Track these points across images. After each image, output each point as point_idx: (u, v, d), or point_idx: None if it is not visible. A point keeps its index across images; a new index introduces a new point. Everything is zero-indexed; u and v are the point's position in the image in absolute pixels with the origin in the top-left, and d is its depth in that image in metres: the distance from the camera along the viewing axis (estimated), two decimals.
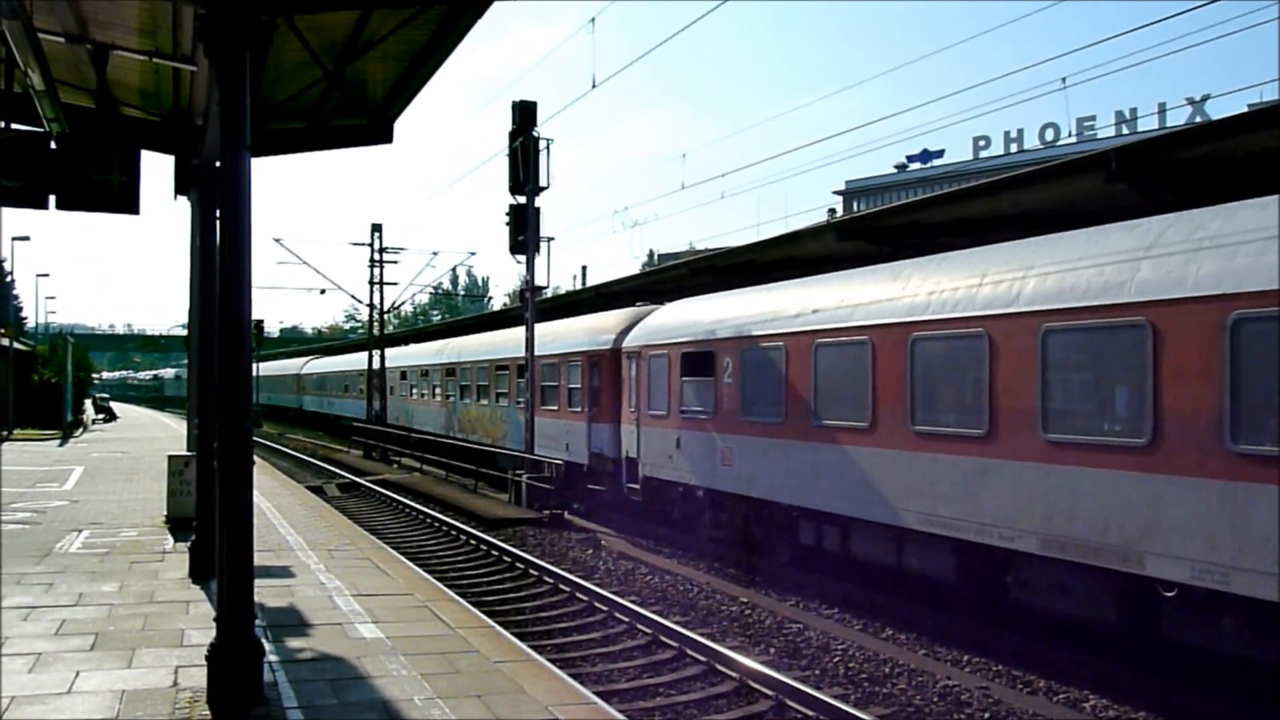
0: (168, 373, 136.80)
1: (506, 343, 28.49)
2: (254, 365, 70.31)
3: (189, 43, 9.51)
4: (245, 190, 7.05)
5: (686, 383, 17.38)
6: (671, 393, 17.87)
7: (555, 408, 23.52)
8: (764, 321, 15.63)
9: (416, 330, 56.67)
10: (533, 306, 24.45)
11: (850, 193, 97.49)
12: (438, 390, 35.08)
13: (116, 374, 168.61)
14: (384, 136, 12.41)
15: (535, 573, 15.13)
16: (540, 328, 25.14)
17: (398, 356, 42.95)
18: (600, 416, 21.21)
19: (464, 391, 31.77)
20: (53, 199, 9.71)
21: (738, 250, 21.99)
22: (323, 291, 74.63)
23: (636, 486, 19.33)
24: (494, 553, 16.94)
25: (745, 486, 15.66)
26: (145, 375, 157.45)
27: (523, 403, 25.01)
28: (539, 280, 24.92)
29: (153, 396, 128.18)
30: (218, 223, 8.27)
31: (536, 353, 24.39)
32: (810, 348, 14.30)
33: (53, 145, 9.74)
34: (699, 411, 16.93)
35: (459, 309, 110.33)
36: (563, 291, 55.62)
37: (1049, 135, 79.49)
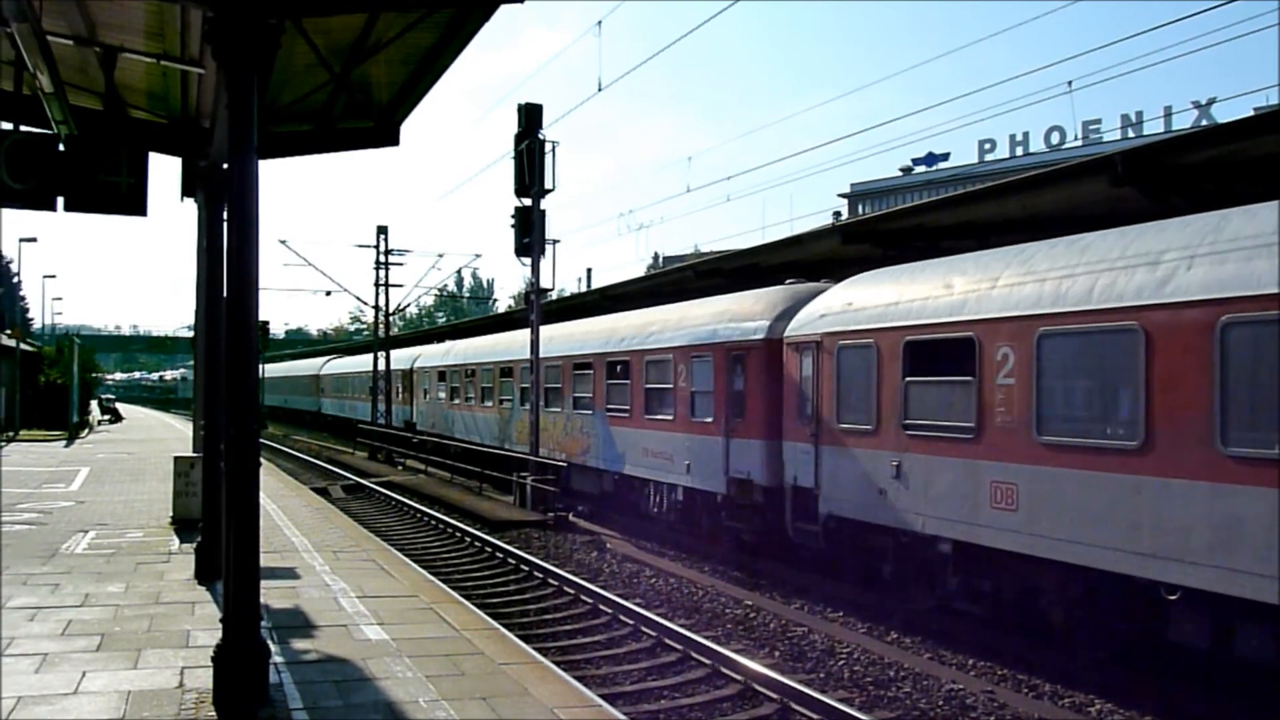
0: (172, 373, 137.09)
1: (589, 335, 23.25)
2: (263, 366, 68.78)
3: (197, 45, 9.54)
4: (253, 192, 7.07)
5: (916, 384, 12.50)
6: (886, 399, 12.95)
7: (666, 417, 18.57)
8: (1093, 291, 10.20)
9: (447, 328, 50.54)
10: (537, 309, 24.46)
11: (856, 195, 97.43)
12: (489, 394, 29.87)
13: (132, 375, 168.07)
14: (390, 139, 12.43)
15: (540, 575, 15.14)
16: (613, 319, 22.39)
17: (431, 356, 37.98)
18: (745, 430, 16.11)
19: (524, 395, 26.08)
20: (61, 200, 9.75)
21: (744, 253, 22.00)
22: (328, 293, 74.74)
23: (814, 528, 14.31)
24: (499, 555, 16.95)
25: (1044, 545, 10.46)
26: (160, 375, 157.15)
27: (617, 410, 20.82)
28: (544, 283, 24.93)
29: (166, 398, 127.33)
30: (225, 225, 8.29)
31: (609, 349, 20.91)
32: (1210, 328, 8.83)
33: (61, 147, 9.77)
34: (945, 426, 11.93)
35: (464, 311, 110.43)
36: (568, 294, 55.69)
37: (1055, 138, 79.34)
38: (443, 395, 35.02)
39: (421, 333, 60.25)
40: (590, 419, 22.11)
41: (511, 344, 28.61)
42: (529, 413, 24.35)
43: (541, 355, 24.16)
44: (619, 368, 20.92)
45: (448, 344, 37.76)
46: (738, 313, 17.06)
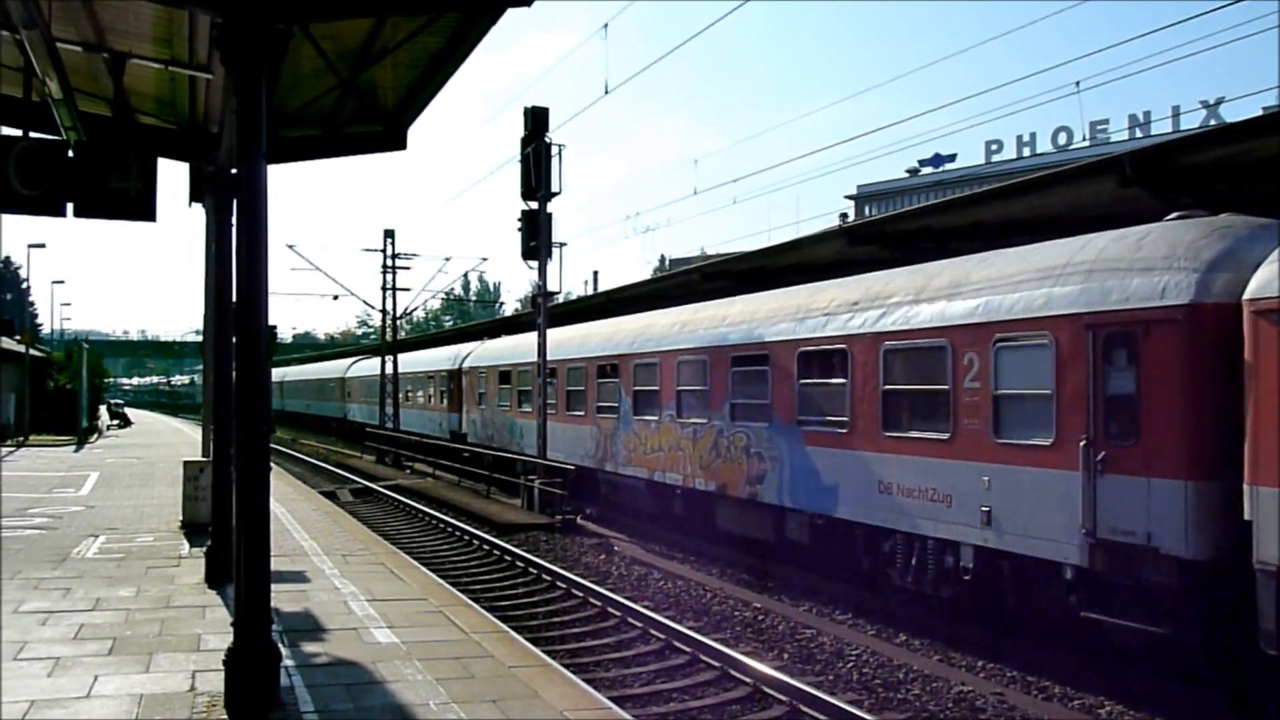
0: (180, 378, 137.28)
1: (749, 317, 16.88)
2: (283, 370, 67.23)
3: (205, 51, 9.60)
4: (262, 197, 7.10)
5: None
6: None
7: (935, 435, 12.23)
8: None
9: (492, 323, 45.16)
10: (544, 312, 24.49)
11: (862, 197, 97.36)
12: (579, 399, 23.43)
13: (151, 380, 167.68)
14: (398, 143, 12.48)
15: (548, 578, 15.14)
16: (783, 295, 16.73)
17: (489, 354, 31.86)
18: (1140, 460, 9.71)
19: (641, 402, 19.95)
20: (70, 207, 9.78)
21: (750, 255, 22.00)
22: (335, 298, 74.98)
23: None
24: (507, 558, 16.96)
25: None
26: (181, 379, 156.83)
27: (823, 422, 14.43)
28: (551, 286, 24.97)
29: (178, 403, 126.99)
30: (234, 230, 8.32)
31: (805, 334, 14.98)
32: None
33: (70, 153, 9.81)
34: None
35: (471, 315, 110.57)
36: (575, 297, 55.78)
37: (1062, 139, 79.19)
38: (506, 402, 29.18)
39: (451, 331, 54.99)
40: (765, 435, 15.75)
41: (615, 334, 22.26)
42: (544, 417, 24.34)
43: (643, 347, 20.04)
44: (825, 362, 14.48)
45: (509, 339, 31.68)
46: (1108, 261, 10.47)
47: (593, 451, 22.29)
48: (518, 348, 28.84)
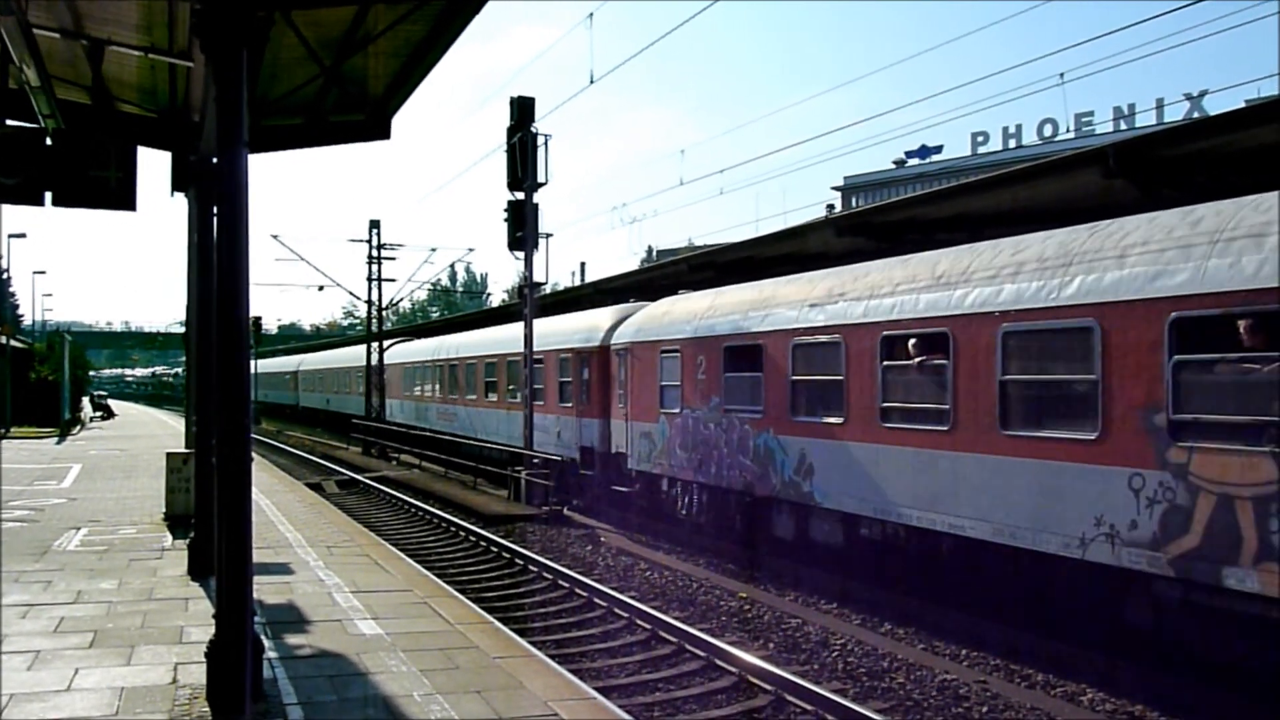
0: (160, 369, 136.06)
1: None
2: (298, 358, 63.28)
3: (186, 38, 9.48)
4: (243, 186, 7.03)
5: None
6: None
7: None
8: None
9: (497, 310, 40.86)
10: (531, 302, 24.43)
11: (849, 188, 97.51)
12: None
13: (149, 370, 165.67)
14: (382, 132, 12.38)
15: (534, 568, 15.13)
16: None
17: (566, 331, 23.88)
18: None
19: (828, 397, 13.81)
20: (49, 195, 9.69)
21: (737, 246, 22.01)
22: (321, 288, 74.78)
23: None
24: (493, 549, 16.94)
25: None
26: (153, 371, 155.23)
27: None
28: (538, 276, 24.90)
29: (162, 394, 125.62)
30: (215, 219, 8.25)
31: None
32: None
33: (49, 141, 9.72)
34: None
35: (458, 306, 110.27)
36: (561, 288, 55.69)
37: (1047, 131, 79.50)
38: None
39: (479, 314, 46.04)
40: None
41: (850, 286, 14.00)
42: (531, 409, 24.29)
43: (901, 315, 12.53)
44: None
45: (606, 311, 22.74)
46: None
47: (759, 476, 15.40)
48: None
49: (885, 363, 12.64)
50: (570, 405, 22.84)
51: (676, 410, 17.78)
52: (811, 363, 14.26)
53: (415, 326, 58.93)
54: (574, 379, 22.49)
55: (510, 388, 27.23)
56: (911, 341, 12.30)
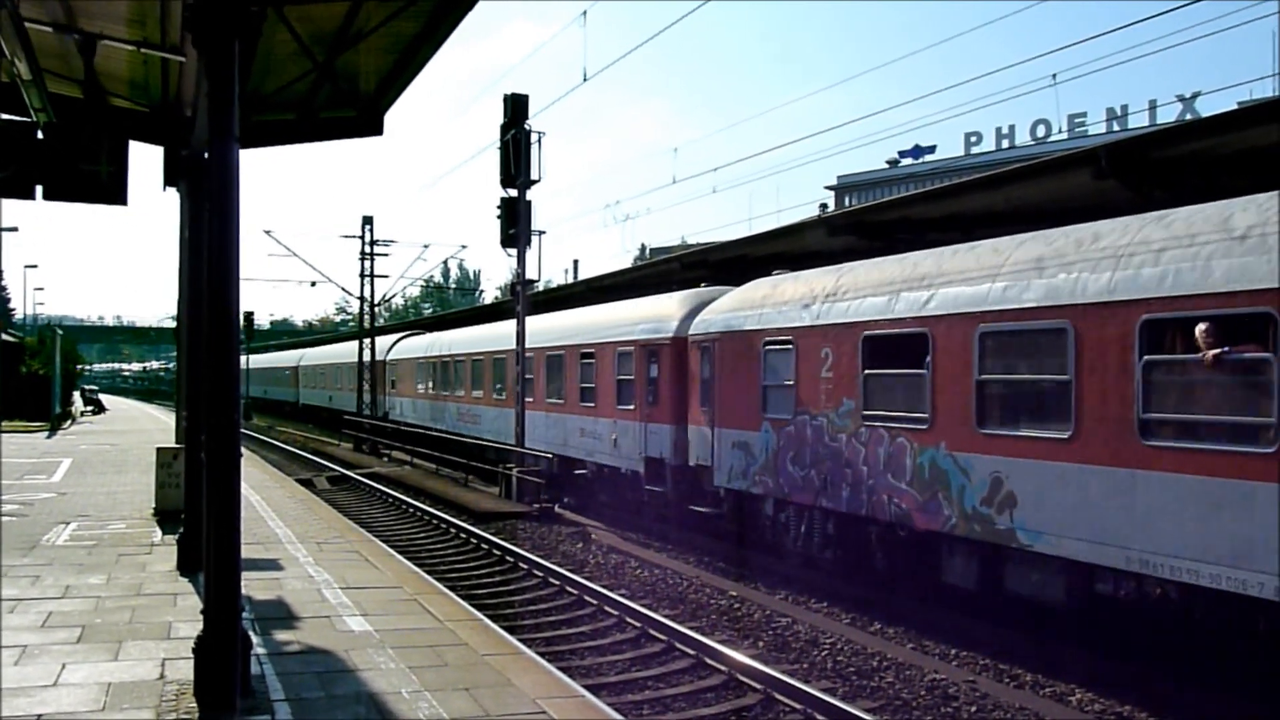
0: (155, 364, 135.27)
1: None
2: (306, 351, 60.51)
3: (178, 33, 9.45)
4: (234, 181, 7.01)
5: None
6: None
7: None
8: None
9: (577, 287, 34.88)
10: (524, 300, 24.42)
11: (842, 188, 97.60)
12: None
13: (145, 365, 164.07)
14: (374, 129, 12.37)
15: (525, 566, 15.13)
16: None
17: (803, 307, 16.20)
18: None
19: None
20: (40, 189, 9.66)
21: (730, 244, 22.03)
22: (313, 284, 74.61)
23: None
24: (484, 546, 16.93)
25: None
26: (144, 366, 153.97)
27: None
28: (530, 274, 24.90)
29: (154, 389, 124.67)
30: (207, 214, 8.22)
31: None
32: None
33: (40, 135, 9.68)
34: None
35: (450, 303, 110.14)
36: (554, 285, 55.66)
37: (1040, 131, 79.67)
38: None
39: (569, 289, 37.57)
40: None
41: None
42: (523, 406, 24.25)
43: None
44: None
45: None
46: None
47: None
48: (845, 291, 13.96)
49: (1148, 357, 9.28)
50: (632, 408, 19.49)
51: (787, 416, 14.49)
52: (1013, 357, 10.98)
53: (430, 319, 54.92)
54: (638, 377, 19.32)
55: (552, 386, 23.83)
56: (1202, 329, 8.80)
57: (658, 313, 19.35)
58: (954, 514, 11.40)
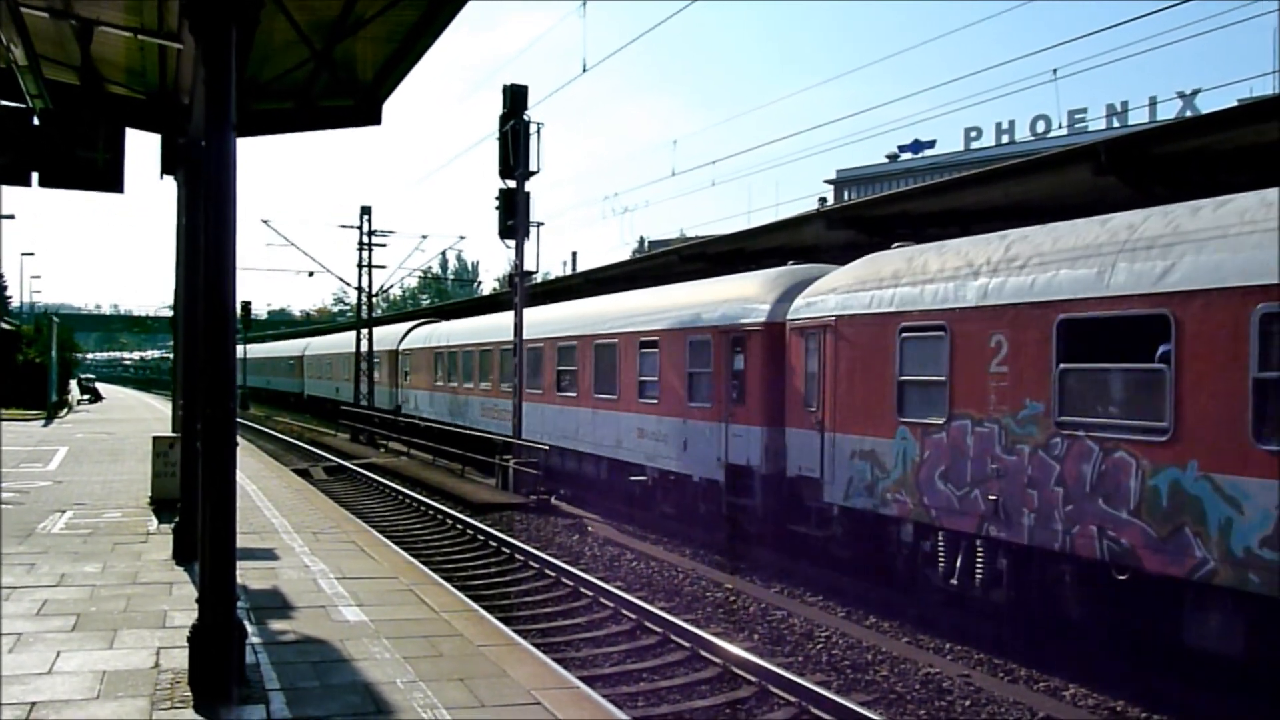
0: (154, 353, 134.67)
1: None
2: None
3: (175, 19, 9.41)
4: (230, 169, 6.99)
5: None
6: None
7: None
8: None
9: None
10: (522, 291, 24.39)
11: (841, 182, 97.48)
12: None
13: (147, 353, 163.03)
14: (373, 118, 12.33)
15: (521, 557, 15.13)
16: None
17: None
18: None
19: None
20: (35, 176, 9.63)
21: (729, 237, 22.00)
22: (311, 274, 74.55)
23: None
24: (480, 537, 16.93)
25: None
26: (141, 355, 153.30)
27: None
28: (528, 265, 24.85)
29: (150, 379, 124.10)
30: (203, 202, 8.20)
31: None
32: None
33: (36, 122, 9.65)
34: None
35: (448, 294, 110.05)
36: (553, 277, 55.58)
37: (1040, 127, 79.54)
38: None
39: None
40: None
41: None
42: (519, 398, 24.19)
43: None
44: None
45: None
46: None
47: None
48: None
49: None
50: (708, 406, 16.82)
51: (937, 420, 11.72)
52: None
53: (448, 305, 49.76)
54: (717, 369, 16.61)
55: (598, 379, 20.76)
56: None
57: (740, 294, 16.64)
58: (1212, 556, 8.71)
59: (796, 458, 14.50)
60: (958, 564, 11.61)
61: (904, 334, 12.40)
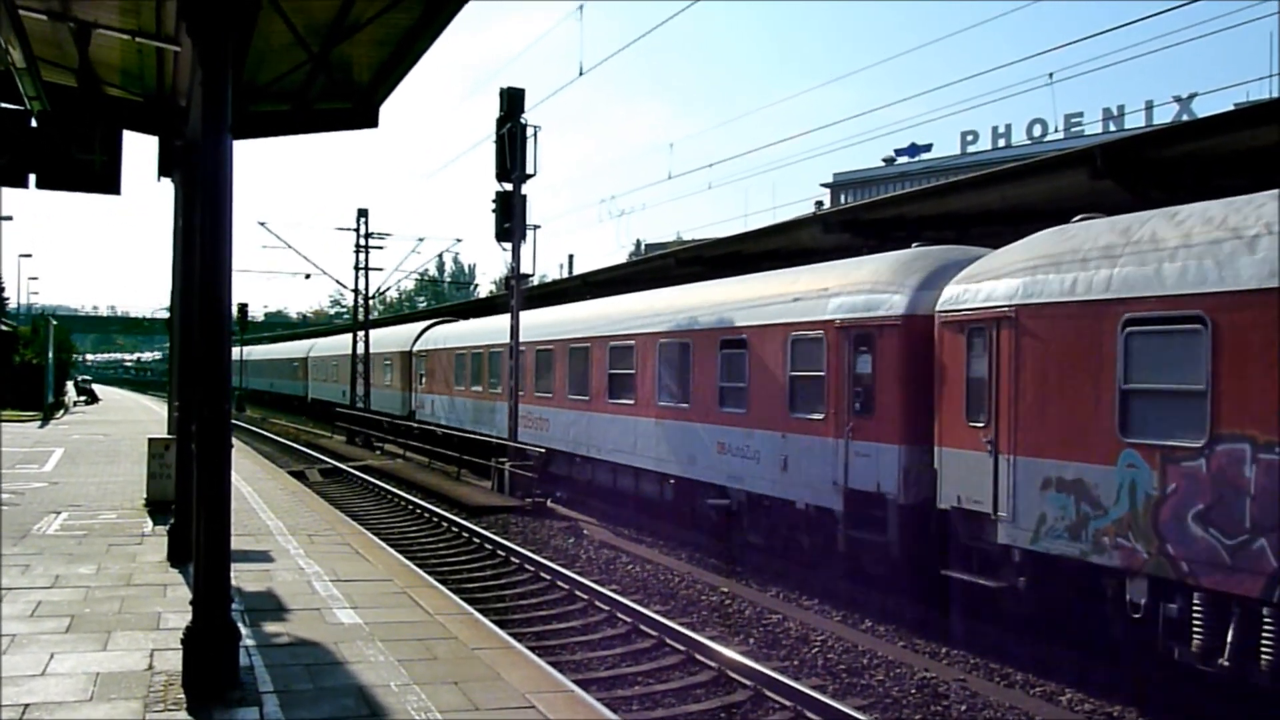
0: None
1: None
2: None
3: (173, 22, 9.42)
4: (226, 172, 6.99)
5: None
6: None
7: None
8: None
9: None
10: (518, 294, 24.39)
11: (838, 185, 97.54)
12: None
13: (148, 355, 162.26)
14: (369, 121, 12.33)
15: (516, 560, 15.13)
16: None
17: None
18: None
19: None
20: (33, 178, 9.63)
21: (725, 240, 22.01)
22: (308, 276, 74.43)
23: None
24: (475, 540, 16.92)
25: None
26: (138, 357, 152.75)
27: None
28: (525, 268, 24.85)
29: (146, 380, 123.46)
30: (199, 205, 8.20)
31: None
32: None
33: (34, 124, 9.65)
34: None
35: (445, 296, 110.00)
36: (549, 280, 55.60)
37: (1036, 131, 79.63)
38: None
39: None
40: None
41: None
42: (511, 399, 24.18)
43: None
44: None
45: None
46: None
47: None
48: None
49: None
50: (819, 417, 13.89)
51: (1190, 444, 8.88)
52: None
53: (466, 304, 46.95)
54: (832, 373, 13.70)
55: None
56: None
57: (862, 280, 13.65)
58: None
59: (954, 485, 11.55)
60: (1229, 638, 8.62)
61: (1130, 328, 9.50)
